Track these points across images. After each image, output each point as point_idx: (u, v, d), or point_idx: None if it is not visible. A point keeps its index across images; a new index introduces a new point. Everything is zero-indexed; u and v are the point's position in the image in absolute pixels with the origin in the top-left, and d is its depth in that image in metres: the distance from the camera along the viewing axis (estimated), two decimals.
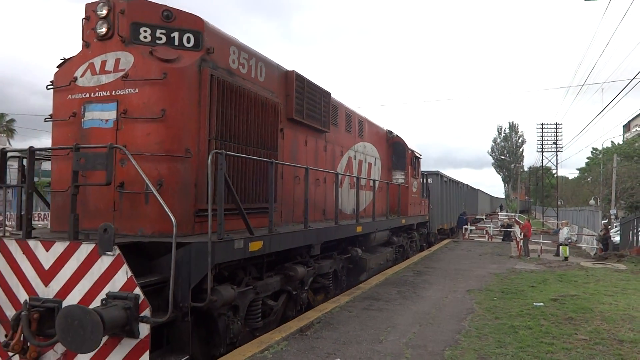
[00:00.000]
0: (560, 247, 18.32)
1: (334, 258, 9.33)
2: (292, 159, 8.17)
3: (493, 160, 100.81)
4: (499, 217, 46.86)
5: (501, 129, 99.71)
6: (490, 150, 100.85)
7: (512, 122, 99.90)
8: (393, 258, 13.67)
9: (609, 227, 24.90)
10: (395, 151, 14.55)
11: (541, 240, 21.62)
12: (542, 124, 59.76)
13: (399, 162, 14.62)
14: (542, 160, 60.28)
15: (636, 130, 67.18)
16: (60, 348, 4.96)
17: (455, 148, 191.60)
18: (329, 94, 9.39)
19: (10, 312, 5.24)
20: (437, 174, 23.14)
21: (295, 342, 6.45)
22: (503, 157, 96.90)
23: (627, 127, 71.96)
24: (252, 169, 6.77)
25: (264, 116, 7.13)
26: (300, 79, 8.21)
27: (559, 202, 56.33)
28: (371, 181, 11.96)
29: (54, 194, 6.12)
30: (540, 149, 59.56)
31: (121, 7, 5.71)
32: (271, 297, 7.15)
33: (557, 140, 58.86)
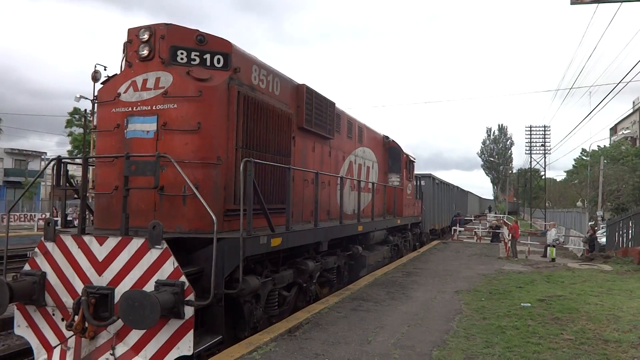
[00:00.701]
0: (548, 248, 18.91)
1: (338, 255, 10.32)
2: (301, 164, 9.11)
3: (482, 162, 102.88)
4: (488, 218, 48.06)
5: (490, 131, 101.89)
6: (479, 152, 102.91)
7: (501, 124, 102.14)
8: (389, 256, 14.74)
9: (595, 227, 25.89)
10: (391, 155, 15.62)
11: (529, 242, 22.17)
12: (530, 127, 61.30)
13: (394, 165, 15.69)
14: (531, 162, 61.80)
15: (622, 133, 69.10)
16: (112, 328, 5.84)
17: (446, 149, 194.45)
18: (333, 103, 10.37)
19: (66, 299, 6.12)
20: (429, 177, 24.27)
21: (284, 343, 6.58)
22: (492, 159, 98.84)
23: (614, 129, 73.89)
24: (270, 173, 7.71)
25: (280, 126, 8.07)
26: (309, 91, 9.17)
27: (547, 204, 57.89)
28: (370, 184, 12.99)
29: (98, 196, 6.99)
30: (529, 151, 61.09)
31: (162, 33, 6.62)
32: (285, 289, 8.09)
33: (545, 142, 60.38)
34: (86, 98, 35.23)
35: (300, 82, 9.06)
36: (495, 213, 63.06)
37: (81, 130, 45.62)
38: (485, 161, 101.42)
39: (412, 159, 17.37)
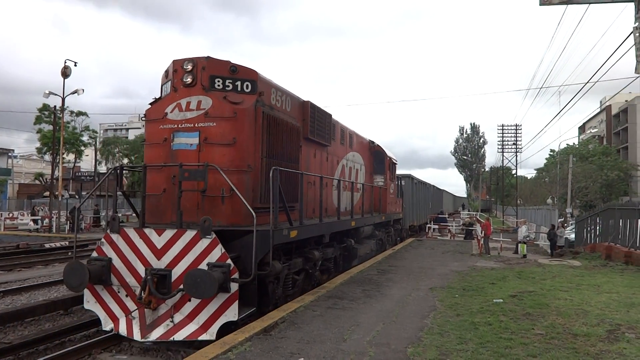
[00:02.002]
0: (519, 244, 19.85)
1: (334, 247, 12.26)
2: (306, 169, 10.99)
3: (456, 160, 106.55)
4: (461, 215, 50.62)
5: (463, 129, 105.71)
6: (453, 151, 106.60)
7: (474, 123, 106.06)
8: (375, 249, 16.86)
9: (565, 224, 27.98)
10: (376, 158, 17.71)
11: (501, 239, 23.60)
12: (502, 125, 64.16)
13: (379, 167, 17.81)
14: (503, 160, 64.75)
15: (590, 132, 73.26)
16: (170, 302, 7.61)
17: (421, 147, 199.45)
18: (330, 115, 12.31)
19: (129, 279, 7.88)
20: (409, 177, 26.61)
21: (259, 343, 6.78)
22: (465, 157, 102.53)
23: (582, 128, 78.01)
24: (284, 177, 9.56)
25: (291, 138, 9.93)
26: (313, 107, 11.08)
27: (519, 201, 61.04)
28: (359, 184, 14.98)
29: (148, 196, 8.70)
30: (501, 150, 64.13)
31: (202, 65, 8.42)
32: (296, 274, 9.98)
33: (516, 141, 63.37)
34: (55, 94, 35.46)
35: (305, 99, 10.97)
36: (469, 210, 65.96)
37: (50, 127, 45.85)
38: (459, 159, 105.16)
39: (394, 161, 19.50)
